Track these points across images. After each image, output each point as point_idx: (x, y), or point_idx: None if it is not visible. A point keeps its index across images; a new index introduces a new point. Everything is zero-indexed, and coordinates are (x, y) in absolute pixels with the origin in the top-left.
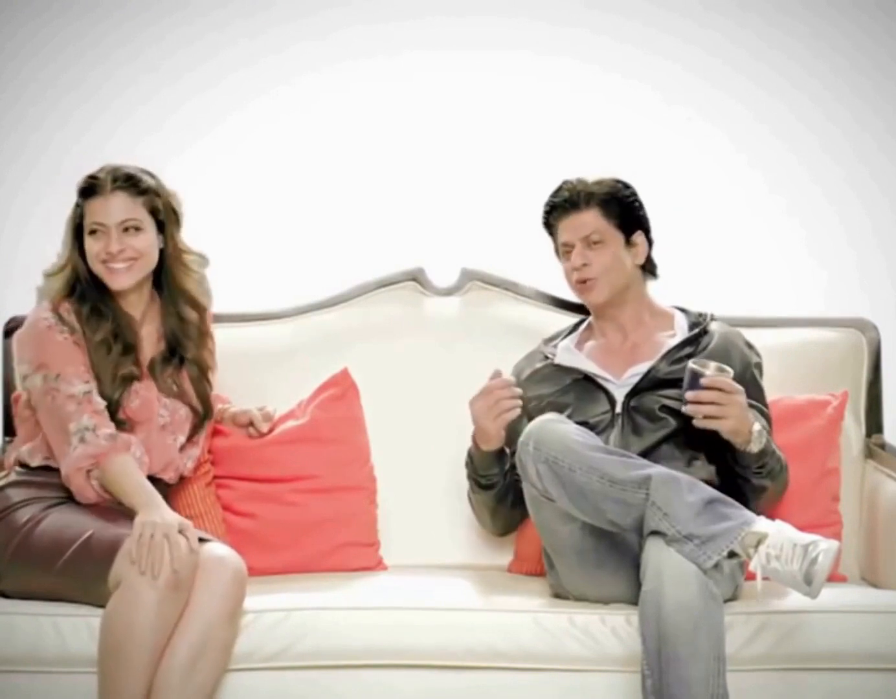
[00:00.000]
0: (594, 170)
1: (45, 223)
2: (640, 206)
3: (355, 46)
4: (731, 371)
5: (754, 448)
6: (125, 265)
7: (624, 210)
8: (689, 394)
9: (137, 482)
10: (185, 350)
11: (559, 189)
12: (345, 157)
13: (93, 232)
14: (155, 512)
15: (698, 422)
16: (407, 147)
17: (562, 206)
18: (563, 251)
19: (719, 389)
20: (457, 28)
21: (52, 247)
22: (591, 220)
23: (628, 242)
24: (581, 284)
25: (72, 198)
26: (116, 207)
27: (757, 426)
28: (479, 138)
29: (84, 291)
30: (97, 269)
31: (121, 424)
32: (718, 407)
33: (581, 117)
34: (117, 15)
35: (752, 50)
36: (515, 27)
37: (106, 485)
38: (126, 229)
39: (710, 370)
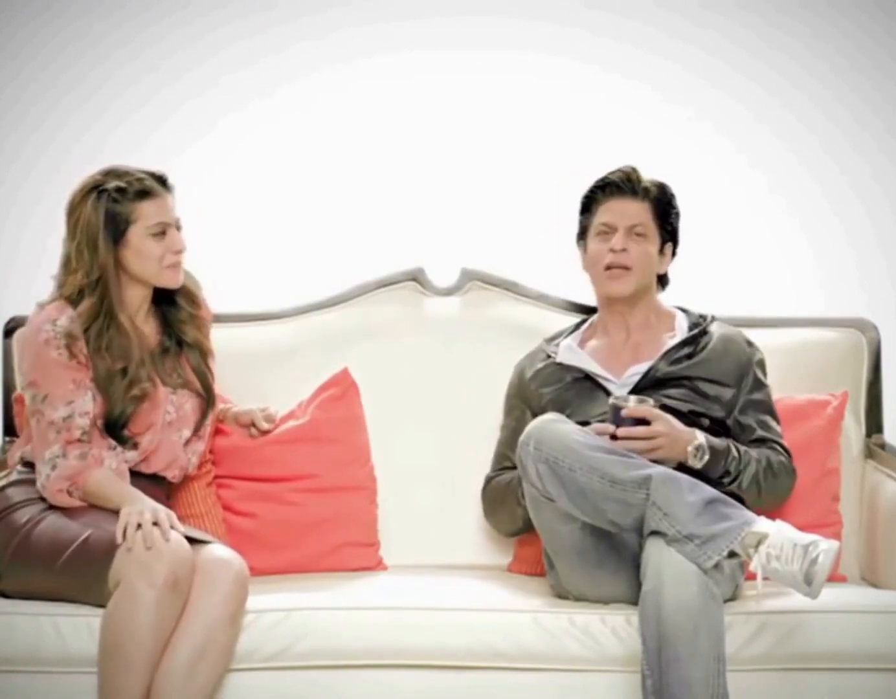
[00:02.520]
0: (593, 171)
1: (45, 223)
2: (678, 219)
3: (355, 46)
4: (651, 400)
5: (696, 465)
6: (180, 263)
7: (668, 218)
8: (621, 432)
9: (118, 487)
10: (184, 334)
11: (617, 169)
12: (345, 157)
13: (156, 234)
14: (138, 503)
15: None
16: (407, 147)
17: (618, 186)
18: (599, 231)
19: (643, 421)
20: (457, 28)
21: (52, 247)
22: (642, 212)
23: (660, 250)
24: (610, 270)
25: None
26: (170, 206)
27: (695, 444)
28: (478, 138)
29: (107, 312)
30: (156, 271)
31: (125, 441)
32: (646, 441)
33: (581, 117)
34: (117, 15)
35: (752, 50)
36: (515, 27)
37: (89, 500)
38: (178, 227)
39: (630, 403)
